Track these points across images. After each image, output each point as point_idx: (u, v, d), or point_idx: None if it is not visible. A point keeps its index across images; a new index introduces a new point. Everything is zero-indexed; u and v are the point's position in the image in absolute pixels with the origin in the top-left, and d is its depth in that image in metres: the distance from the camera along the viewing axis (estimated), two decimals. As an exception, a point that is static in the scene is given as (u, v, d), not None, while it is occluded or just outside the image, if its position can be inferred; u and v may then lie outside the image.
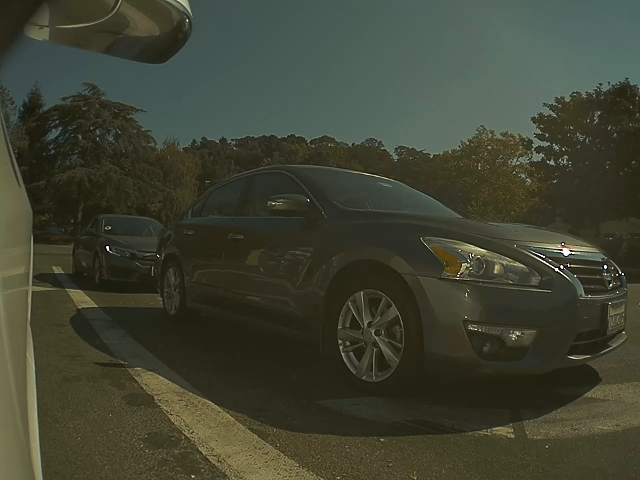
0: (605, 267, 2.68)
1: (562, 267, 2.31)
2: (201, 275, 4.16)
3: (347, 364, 2.55)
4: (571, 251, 2.50)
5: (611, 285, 2.64)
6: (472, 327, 2.14)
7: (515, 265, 2.24)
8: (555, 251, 2.42)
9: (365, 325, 2.47)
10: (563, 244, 2.52)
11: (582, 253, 2.63)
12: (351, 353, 2.57)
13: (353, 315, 2.56)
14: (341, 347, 2.60)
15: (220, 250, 3.83)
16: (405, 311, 2.31)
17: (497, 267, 2.23)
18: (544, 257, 2.31)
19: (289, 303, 2.99)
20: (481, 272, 2.21)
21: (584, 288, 2.34)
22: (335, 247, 2.75)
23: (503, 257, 2.25)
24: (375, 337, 2.42)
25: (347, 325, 2.59)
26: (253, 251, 3.53)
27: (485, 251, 2.26)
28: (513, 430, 2.01)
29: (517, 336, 2.16)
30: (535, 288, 2.23)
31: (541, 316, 2.23)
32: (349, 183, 3.97)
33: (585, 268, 2.51)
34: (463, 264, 2.21)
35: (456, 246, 2.28)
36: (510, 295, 2.22)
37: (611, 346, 2.60)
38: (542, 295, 2.23)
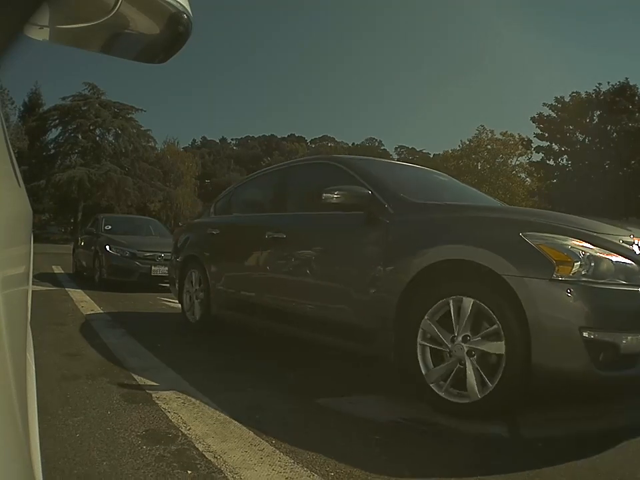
0: None
1: None
2: (231, 279, 3.72)
3: (436, 389, 2.17)
4: None
5: None
6: (588, 333, 1.88)
7: (626, 262, 1.99)
8: None
9: (457, 339, 2.11)
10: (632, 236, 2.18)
11: None
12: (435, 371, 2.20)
13: (437, 327, 2.19)
14: (421, 365, 2.22)
15: (256, 250, 3.45)
16: (505, 319, 1.99)
17: (608, 266, 1.96)
18: None
19: (348, 312, 2.65)
20: (593, 271, 1.94)
21: None
22: (409, 245, 2.42)
23: (612, 254, 1.99)
24: (466, 357, 2.08)
25: (429, 337, 2.22)
26: (298, 251, 3.12)
27: (595, 247, 1.98)
28: (509, 430, 2.01)
29: (631, 341, 1.93)
30: None
31: None
32: (404, 175, 3.53)
33: None
34: (575, 263, 1.93)
35: (564, 242, 1.99)
36: (623, 296, 1.97)
37: None
38: None
